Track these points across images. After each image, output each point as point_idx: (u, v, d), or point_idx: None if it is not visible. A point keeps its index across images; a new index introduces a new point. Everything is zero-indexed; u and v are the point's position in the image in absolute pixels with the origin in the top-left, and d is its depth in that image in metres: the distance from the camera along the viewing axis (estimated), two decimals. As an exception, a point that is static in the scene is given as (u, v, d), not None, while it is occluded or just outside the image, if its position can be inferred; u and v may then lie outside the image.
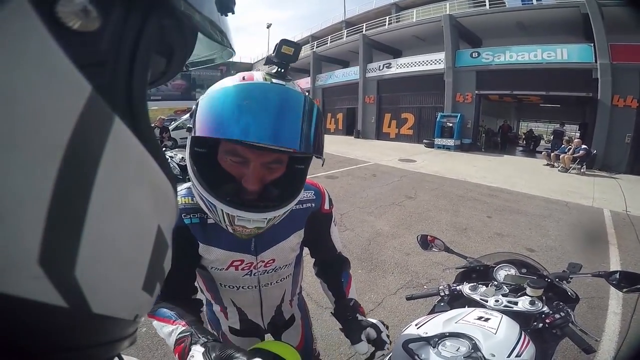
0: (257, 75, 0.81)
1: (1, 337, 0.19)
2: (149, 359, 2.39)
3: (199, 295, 1.14)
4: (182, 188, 1.01)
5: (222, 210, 0.81)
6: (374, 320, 1.08)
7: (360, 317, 1.09)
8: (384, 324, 1.09)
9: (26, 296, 0.19)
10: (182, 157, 6.88)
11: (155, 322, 0.90)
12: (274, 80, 0.79)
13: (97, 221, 0.21)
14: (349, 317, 1.10)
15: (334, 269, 1.29)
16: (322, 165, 0.93)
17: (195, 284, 1.11)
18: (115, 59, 0.24)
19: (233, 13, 0.38)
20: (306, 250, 1.27)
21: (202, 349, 0.73)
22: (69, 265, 0.20)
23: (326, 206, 1.16)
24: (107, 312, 0.25)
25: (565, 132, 15.87)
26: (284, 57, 0.82)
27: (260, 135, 0.74)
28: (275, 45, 0.81)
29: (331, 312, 1.19)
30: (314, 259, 1.34)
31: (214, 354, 0.71)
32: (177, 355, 0.79)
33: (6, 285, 0.18)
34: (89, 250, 0.21)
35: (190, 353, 0.74)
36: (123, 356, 0.48)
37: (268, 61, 0.83)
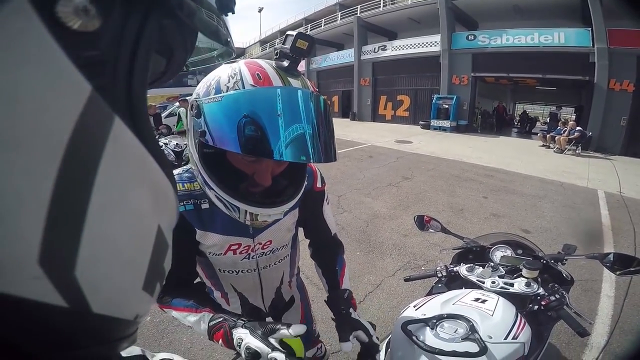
0: (271, 72, 0.77)
1: (1, 337, 0.19)
2: (154, 347, 2.41)
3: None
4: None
5: (245, 211, 0.85)
6: (364, 322, 1.08)
7: (353, 314, 1.09)
8: (372, 325, 1.10)
9: (26, 296, 0.19)
10: (177, 144, 6.84)
11: (174, 313, 0.97)
12: (291, 80, 0.77)
13: (97, 221, 0.21)
14: (342, 310, 1.10)
15: (328, 253, 1.30)
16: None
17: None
18: (115, 58, 0.24)
19: (233, 13, 0.38)
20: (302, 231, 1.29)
21: (246, 330, 0.81)
22: (69, 265, 0.20)
23: (318, 184, 1.17)
24: (107, 312, 0.25)
25: (559, 115, 15.88)
26: (298, 52, 0.77)
27: (307, 154, 0.72)
28: (285, 36, 0.77)
29: (325, 300, 1.19)
30: (308, 240, 1.34)
31: (259, 332, 0.80)
32: (219, 340, 0.86)
33: (6, 285, 0.18)
34: (89, 250, 0.21)
35: (238, 336, 0.81)
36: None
37: (281, 55, 0.78)
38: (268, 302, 1.27)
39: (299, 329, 0.82)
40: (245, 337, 0.80)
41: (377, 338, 1.08)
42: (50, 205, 0.18)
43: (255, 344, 0.78)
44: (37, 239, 0.18)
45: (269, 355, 0.76)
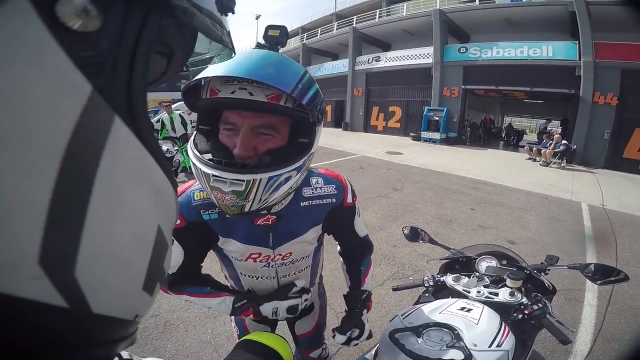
0: None
1: (1, 337, 0.19)
2: (138, 353, 2.39)
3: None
4: (197, 183, 0.97)
5: (200, 170, 0.79)
6: (367, 328, 1.21)
7: (364, 315, 1.21)
8: (370, 333, 1.23)
9: (26, 296, 0.19)
10: (167, 149, 6.84)
11: (193, 298, 1.10)
12: None
13: (97, 221, 0.21)
14: (356, 309, 1.20)
15: (356, 253, 1.33)
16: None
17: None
18: (115, 59, 0.23)
19: (233, 13, 0.38)
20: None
21: (274, 301, 1.09)
22: (69, 265, 0.20)
23: (349, 199, 1.13)
24: (107, 312, 0.25)
25: (547, 129, 16.13)
26: (272, 39, 0.84)
27: (247, 70, 0.73)
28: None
29: (343, 294, 1.28)
30: (337, 242, 1.33)
31: (283, 296, 1.10)
32: (249, 315, 1.09)
33: (6, 285, 0.18)
34: (89, 251, 0.21)
35: (272, 308, 1.08)
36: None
37: (259, 46, 0.85)
38: None
39: (300, 283, 1.14)
40: (278, 304, 1.08)
41: (358, 343, 1.20)
42: (50, 205, 0.18)
43: (293, 302, 1.09)
44: (37, 239, 0.18)
45: (303, 299, 1.11)
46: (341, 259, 1.37)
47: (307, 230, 1.08)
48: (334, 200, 1.09)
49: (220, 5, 0.35)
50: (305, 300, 1.10)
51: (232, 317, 1.36)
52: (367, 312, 1.22)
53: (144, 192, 0.27)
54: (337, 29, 22.15)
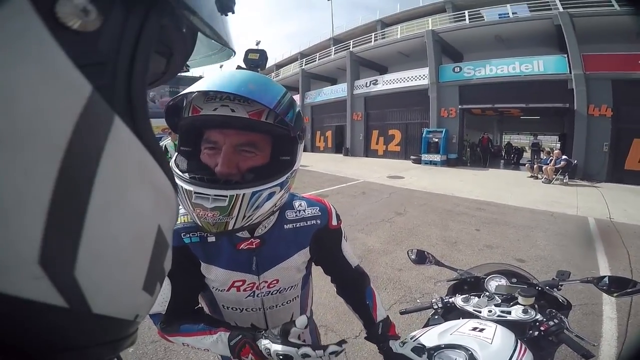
0: None
1: (1, 337, 0.19)
2: None
3: None
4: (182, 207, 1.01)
5: (182, 188, 0.78)
6: (408, 354, 1.05)
7: (394, 348, 1.08)
8: (423, 351, 1.06)
9: (26, 296, 0.19)
10: None
11: (186, 339, 0.95)
12: None
13: (97, 221, 0.22)
14: (382, 347, 1.10)
15: (354, 288, 1.24)
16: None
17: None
18: (115, 59, 0.24)
19: (233, 13, 0.38)
20: (316, 269, 1.24)
21: (267, 340, 0.84)
22: (69, 265, 0.21)
23: (334, 222, 1.11)
24: (107, 312, 0.25)
25: (540, 143, 16.23)
26: (252, 62, 0.86)
27: (229, 86, 0.75)
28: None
29: (365, 337, 1.19)
30: (329, 277, 1.27)
31: (279, 337, 0.84)
32: (249, 355, 0.86)
33: (6, 285, 0.18)
34: (89, 251, 0.21)
35: (264, 347, 0.83)
36: None
37: (238, 68, 0.87)
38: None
39: (302, 320, 0.86)
40: (270, 346, 0.82)
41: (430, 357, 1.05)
42: (50, 205, 0.19)
43: (283, 349, 0.81)
44: (38, 239, 0.18)
45: (300, 352, 0.80)
46: (343, 299, 1.28)
47: (294, 254, 1.04)
48: (319, 222, 1.07)
49: (220, 5, 0.35)
50: (304, 357, 0.81)
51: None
52: (398, 340, 1.11)
53: (144, 192, 0.27)
54: (334, 53, 22.76)
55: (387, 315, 1.19)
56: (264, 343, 0.84)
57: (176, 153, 0.90)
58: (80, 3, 0.20)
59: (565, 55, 12.68)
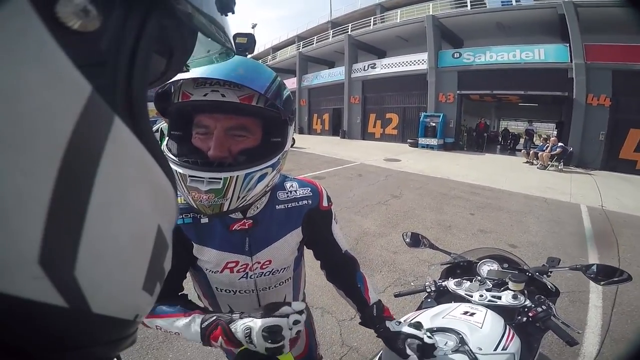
0: None
1: (1, 337, 0.19)
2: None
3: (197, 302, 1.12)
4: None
5: (176, 172, 0.79)
6: (406, 329, 1.05)
7: (391, 327, 1.08)
8: (420, 326, 1.06)
9: (26, 296, 0.18)
10: None
11: (159, 321, 0.91)
12: None
13: (97, 221, 0.21)
14: (379, 329, 1.10)
15: (344, 273, 1.23)
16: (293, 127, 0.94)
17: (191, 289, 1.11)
18: (115, 59, 0.24)
19: (233, 13, 0.38)
20: (308, 253, 1.24)
21: (250, 318, 0.81)
22: (69, 265, 0.20)
23: (324, 203, 1.11)
24: (107, 312, 0.25)
25: (534, 130, 16.24)
26: (240, 46, 0.86)
27: (219, 72, 0.75)
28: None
29: (359, 322, 1.19)
30: (319, 262, 1.26)
31: (262, 312, 0.81)
32: (219, 339, 0.83)
33: (6, 285, 0.18)
34: (89, 250, 0.21)
35: (244, 327, 0.80)
36: None
37: None
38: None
39: (299, 305, 0.84)
40: (253, 323, 0.79)
41: (429, 335, 1.03)
42: (50, 205, 0.18)
43: (271, 321, 0.78)
44: (37, 239, 0.18)
45: (291, 319, 0.79)
46: (334, 286, 1.27)
47: (286, 235, 1.05)
48: (310, 202, 1.08)
49: (220, 5, 0.35)
50: (296, 323, 0.80)
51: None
52: (393, 320, 1.11)
53: (144, 192, 0.27)
54: (332, 36, 22.35)
55: (380, 299, 1.19)
56: (244, 322, 0.80)
57: (167, 138, 0.91)
58: (80, 3, 0.19)
59: (567, 45, 12.57)
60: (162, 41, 0.33)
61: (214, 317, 0.86)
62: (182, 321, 0.88)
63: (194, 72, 0.75)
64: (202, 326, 0.85)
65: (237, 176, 0.80)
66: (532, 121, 18.29)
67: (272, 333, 0.77)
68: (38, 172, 0.18)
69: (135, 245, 0.26)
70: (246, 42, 0.88)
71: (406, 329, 1.05)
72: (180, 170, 0.79)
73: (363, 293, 1.18)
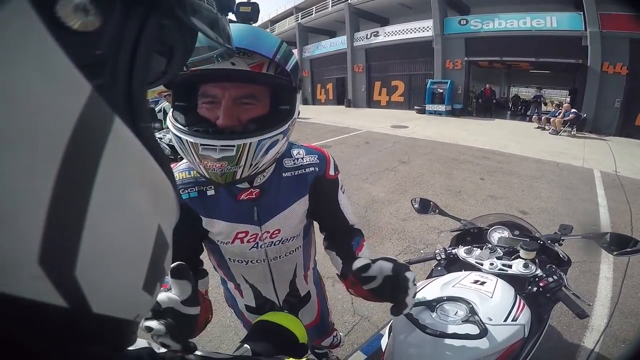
0: None
1: (1, 337, 0.19)
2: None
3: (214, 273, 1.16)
4: (179, 164, 1.00)
5: (187, 141, 0.78)
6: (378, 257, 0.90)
7: (370, 256, 0.94)
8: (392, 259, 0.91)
9: (26, 296, 0.19)
10: (171, 138, 6.80)
11: None
12: None
13: (97, 221, 0.21)
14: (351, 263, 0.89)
15: (343, 240, 1.16)
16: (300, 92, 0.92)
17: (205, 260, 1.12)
18: (115, 58, 0.24)
19: (233, 13, 0.38)
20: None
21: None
22: (69, 265, 0.20)
23: (331, 171, 1.09)
24: (108, 312, 0.25)
25: (542, 96, 15.93)
26: (244, 15, 0.83)
27: (240, 40, 0.74)
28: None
29: (337, 274, 1.10)
30: (323, 234, 1.23)
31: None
32: None
33: (6, 285, 0.18)
34: (89, 250, 0.21)
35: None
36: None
37: (230, 22, 0.86)
38: (282, 295, 1.24)
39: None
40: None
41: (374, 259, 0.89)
42: (50, 205, 0.18)
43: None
44: (37, 239, 0.18)
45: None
46: (329, 253, 1.19)
47: (294, 203, 1.04)
48: (317, 169, 1.06)
49: (219, 5, 0.36)
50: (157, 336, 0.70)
51: (226, 299, 1.36)
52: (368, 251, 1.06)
53: (144, 192, 0.27)
54: (332, 5, 21.63)
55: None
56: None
57: (172, 109, 0.89)
58: (80, 3, 0.20)
59: (581, 13, 12.03)
60: (162, 41, 0.34)
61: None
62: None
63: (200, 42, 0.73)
64: None
65: (250, 143, 0.80)
66: (542, 87, 17.78)
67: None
68: (38, 172, 0.18)
69: (135, 245, 0.27)
70: (250, 11, 0.88)
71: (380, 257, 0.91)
72: (191, 139, 0.78)
73: (354, 249, 1.12)
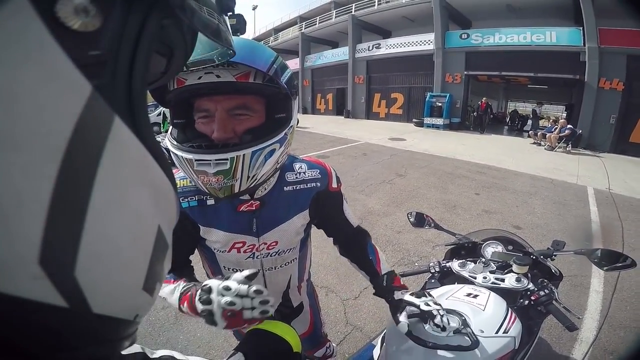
0: None
1: (1, 337, 0.19)
2: (151, 345, 2.43)
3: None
4: (178, 171, 1.00)
5: (182, 157, 0.79)
6: (408, 298, 1.05)
7: (397, 295, 1.08)
8: (423, 294, 1.06)
9: (26, 296, 0.19)
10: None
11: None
12: None
13: (97, 221, 0.21)
14: (388, 299, 1.11)
15: (356, 246, 1.23)
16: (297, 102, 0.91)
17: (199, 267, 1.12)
18: (115, 58, 0.24)
19: (233, 13, 0.38)
20: (315, 232, 1.24)
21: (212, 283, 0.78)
22: (69, 265, 0.20)
23: (334, 184, 1.11)
24: (107, 312, 0.25)
25: (539, 112, 16.05)
26: (232, 28, 0.85)
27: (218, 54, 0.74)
28: None
29: (374, 293, 1.19)
30: (332, 238, 1.27)
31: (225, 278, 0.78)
32: (185, 304, 0.85)
33: (6, 285, 0.18)
34: (89, 250, 0.21)
35: (200, 291, 0.78)
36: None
37: None
38: (274, 306, 1.24)
39: (249, 272, 0.79)
40: (211, 282, 0.77)
41: (427, 302, 1.03)
42: (50, 205, 0.18)
43: (211, 282, 0.77)
44: (37, 239, 0.18)
45: (253, 290, 0.75)
46: (348, 259, 1.27)
47: (293, 217, 1.05)
48: (318, 184, 1.07)
49: (219, 5, 0.35)
50: (257, 295, 0.75)
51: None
52: (404, 291, 1.11)
53: (144, 192, 0.27)
54: (335, 16, 21.88)
55: (392, 269, 1.19)
56: (203, 289, 0.77)
57: (170, 127, 0.90)
58: (80, 3, 0.19)
59: (581, 28, 12.22)
60: (162, 41, 0.34)
61: (192, 285, 0.88)
62: (168, 287, 0.93)
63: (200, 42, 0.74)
64: (181, 292, 0.88)
65: (244, 155, 0.79)
66: (540, 102, 17.96)
67: (204, 291, 0.76)
68: (38, 172, 0.18)
69: (135, 246, 0.27)
70: (236, 23, 0.86)
71: (407, 297, 1.06)
72: (185, 155, 0.78)
73: (375, 265, 1.18)
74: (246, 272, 0.78)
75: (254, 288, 0.75)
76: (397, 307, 1.06)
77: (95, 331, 0.25)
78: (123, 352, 0.41)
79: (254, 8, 36.59)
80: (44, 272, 0.19)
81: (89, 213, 0.21)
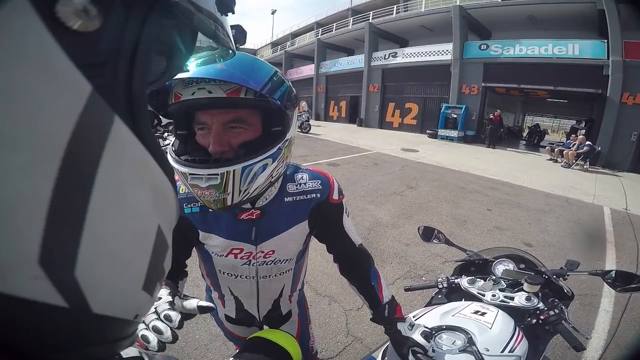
0: None
1: (1, 337, 0.19)
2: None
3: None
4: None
5: (178, 170, 0.81)
6: (416, 338, 1.06)
7: (403, 330, 1.09)
8: (431, 336, 1.09)
9: (26, 296, 0.19)
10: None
11: None
12: None
13: (97, 221, 0.22)
14: (390, 330, 1.11)
15: (358, 268, 1.23)
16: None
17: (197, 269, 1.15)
18: (116, 58, 0.24)
19: (233, 13, 0.38)
20: (315, 242, 1.23)
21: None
22: (69, 265, 0.21)
23: (335, 196, 1.10)
24: (107, 312, 0.25)
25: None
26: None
27: (198, 70, 0.73)
28: None
29: (371, 319, 1.20)
30: (332, 255, 1.26)
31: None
32: None
33: (6, 285, 0.18)
34: (89, 250, 0.21)
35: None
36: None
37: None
38: (263, 312, 1.25)
39: (206, 305, 0.79)
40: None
41: (435, 349, 1.07)
42: (50, 205, 0.18)
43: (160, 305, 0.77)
44: (37, 239, 0.18)
45: (174, 316, 0.74)
46: (347, 280, 1.27)
47: (291, 227, 1.06)
48: (319, 195, 1.07)
49: (220, 6, 0.35)
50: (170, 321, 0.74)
51: (214, 318, 1.37)
52: (405, 322, 1.11)
53: (144, 192, 0.27)
54: (352, 24, 22.12)
55: (393, 296, 1.19)
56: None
57: (174, 138, 0.93)
58: (80, 3, 0.19)
59: (605, 41, 12.00)
60: (162, 41, 0.34)
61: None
62: None
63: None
64: None
65: (234, 170, 0.80)
66: (558, 117, 17.73)
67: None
68: (38, 172, 0.18)
69: (135, 245, 0.27)
70: (236, 34, 0.85)
71: (416, 337, 1.06)
72: (180, 168, 0.81)
73: (377, 292, 1.18)
74: (203, 304, 0.80)
75: (177, 322, 0.74)
76: (401, 343, 1.08)
77: (95, 331, 0.25)
78: (123, 357, 0.41)
79: (273, 12, 37.26)
80: (43, 272, 0.19)
81: (89, 213, 0.21)
